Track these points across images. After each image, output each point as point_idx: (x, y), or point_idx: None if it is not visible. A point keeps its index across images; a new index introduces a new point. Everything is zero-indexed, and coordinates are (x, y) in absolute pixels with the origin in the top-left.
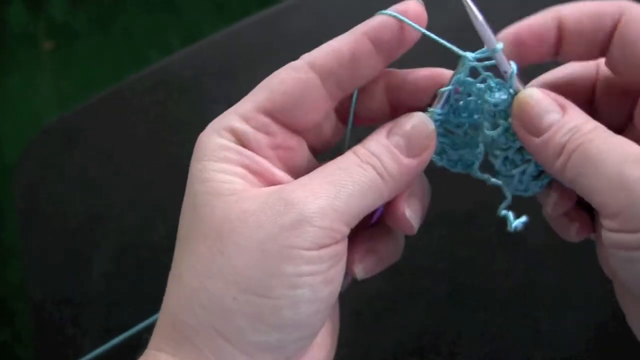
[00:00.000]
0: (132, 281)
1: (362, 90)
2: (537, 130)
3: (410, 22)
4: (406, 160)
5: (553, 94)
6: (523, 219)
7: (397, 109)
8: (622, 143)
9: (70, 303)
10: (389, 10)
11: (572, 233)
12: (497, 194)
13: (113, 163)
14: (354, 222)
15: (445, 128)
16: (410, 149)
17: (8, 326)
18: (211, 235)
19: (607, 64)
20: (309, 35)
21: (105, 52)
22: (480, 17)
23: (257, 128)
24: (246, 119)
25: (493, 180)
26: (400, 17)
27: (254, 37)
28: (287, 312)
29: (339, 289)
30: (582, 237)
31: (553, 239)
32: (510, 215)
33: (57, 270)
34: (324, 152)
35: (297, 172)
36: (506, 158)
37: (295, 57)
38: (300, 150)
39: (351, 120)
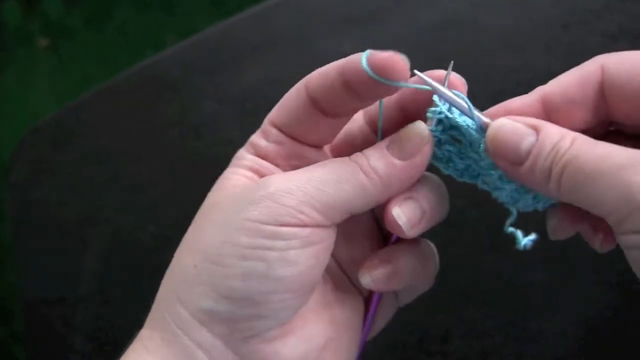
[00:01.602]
0: (123, 281)
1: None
2: (517, 159)
3: (378, 78)
4: (397, 162)
5: (521, 118)
6: (532, 236)
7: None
8: (607, 151)
9: (63, 303)
10: (365, 60)
11: (597, 245)
12: (488, 193)
13: (104, 161)
14: (334, 214)
15: (451, 136)
16: (402, 151)
17: (5, 325)
18: (198, 216)
19: (611, 111)
20: (297, 32)
21: (101, 50)
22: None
23: (271, 140)
24: (264, 134)
25: (497, 193)
26: (372, 74)
27: (244, 34)
28: (235, 283)
29: (311, 279)
30: (609, 247)
31: (543, 239)
32: (519, 233)
33: (50, 269)
34: None
35: None
36: (500, 177)
37: (282, 55)
38: (313, 162)
39: (380, 132)
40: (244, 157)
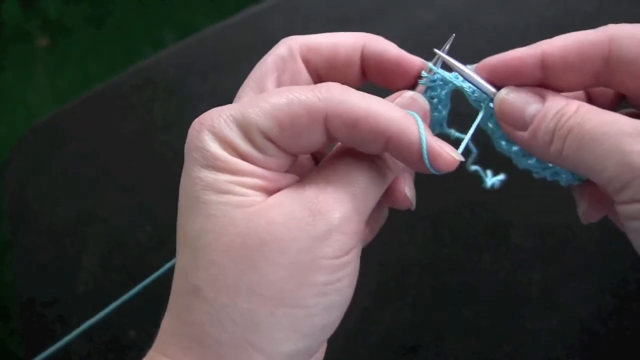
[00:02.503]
0: (119, 280)
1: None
2: (522, 124)
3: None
4: None
5: (528, 87)
6: (501, 176)
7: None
8: (611, 118)
9: (59, 301)
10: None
11: (581, 213)
12: (484, 194)
13: (101, 161)
14: (369, 214)
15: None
16: None
17: (4, 323)
18: (235, 248)
19: (615, 87)
20: (292, 34)
21: (99, 49)
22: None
23: (267, 154)
24: (255, 144)
25: (457, 134)
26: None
27: (239, 35)
28: (318, 319)
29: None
30: (593, 218)
31: (538, 239)
32: (484, 171)
33: (46, 268)
34: None
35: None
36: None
37: None
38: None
39: None
40: (236, 165)
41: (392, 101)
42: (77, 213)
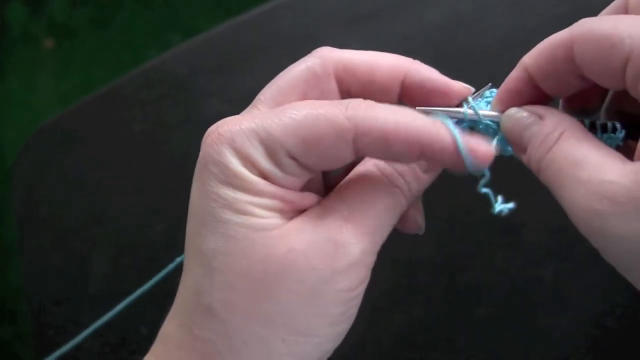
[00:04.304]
0: (131, 280)
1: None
2: (522, 147)
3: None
4: (422, 175)
5: (530, 107)
6: (510, 205)
7: None
8: (582, 155)
9: (70, 303)
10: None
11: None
12: (496, 192)
13: (109, 162)
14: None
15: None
16: (428, 165)
17: (9, 325)
18: (254, 273)
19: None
20: (302, 33)
21: (105, 51)
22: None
23: (288, 172)
24: (276, 160)
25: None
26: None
27: (249, 34)
28: (329, 345)
29: None
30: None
31: (550, 237)
32: (493, 196)
33: (56, 269)
34: None
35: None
36: None
37: (289, 55)
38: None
39: None
40: (257, 185)
41: None
42: (87, 213)
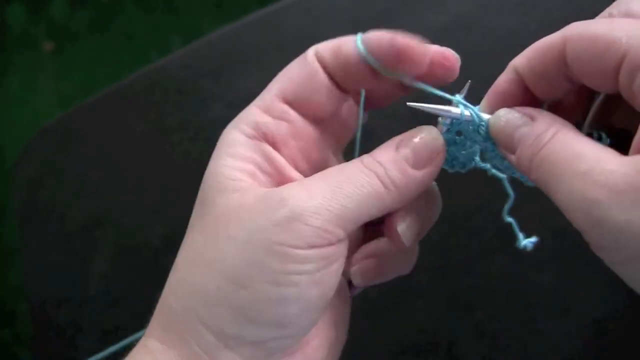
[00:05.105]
0: (131, 282)
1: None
2: (511, 147)
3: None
4: (411, 171)
5: (521, 108)
6: (533, 239)
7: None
8: (578, 152)
9: (70, 304)
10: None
11: None
12: (496, 196)
13: (111, 163)
14: (352, 227)
15: (456, 132)
16: (417, 160)
17: (8, 327)
18: (209, 226)
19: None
20: (304, 35)
21: (105, 53)
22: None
23: (277, 117)
24: (266, 109)
25: (494, 171)
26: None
27: (251, 36)
28: (267, 308)
29: (330, 293)
30: None
31: (551, 240)
32: (519, 232)
33: (57, 271)
34: (347, 142)
35: (316, 167)
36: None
37: (290, 58)
38: (319, 143)
39: (360, 123)
40: (241, 142)
41: (407, 138)
42: (87, 214)
